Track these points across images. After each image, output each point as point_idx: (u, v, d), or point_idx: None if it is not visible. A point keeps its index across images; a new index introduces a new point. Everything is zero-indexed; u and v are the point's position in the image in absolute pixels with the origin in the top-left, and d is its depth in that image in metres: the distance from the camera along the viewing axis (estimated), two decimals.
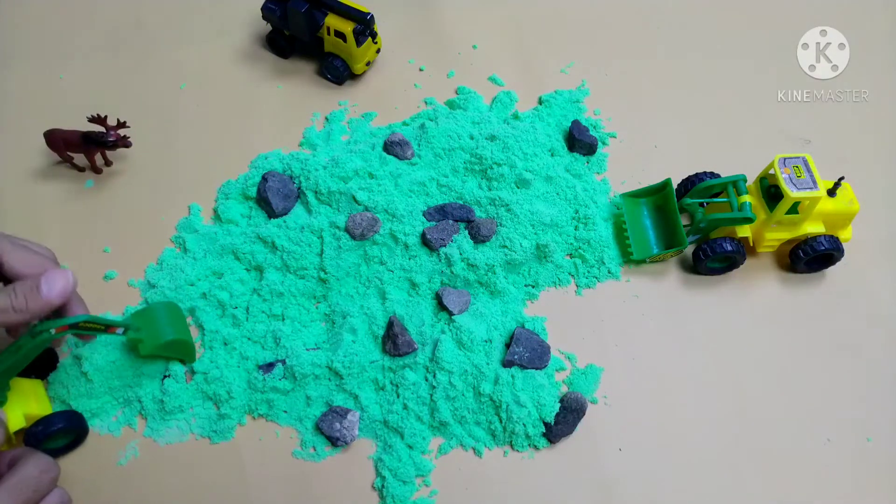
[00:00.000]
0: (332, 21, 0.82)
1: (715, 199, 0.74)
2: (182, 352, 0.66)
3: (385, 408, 0.66)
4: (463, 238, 0.73)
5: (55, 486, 0.54)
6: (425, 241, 0.73)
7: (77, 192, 0.79)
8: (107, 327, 0.58)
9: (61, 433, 0.61)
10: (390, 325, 0.68)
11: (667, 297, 0.75)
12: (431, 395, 0.66)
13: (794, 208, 0.70)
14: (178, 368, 0.67)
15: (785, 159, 0.70)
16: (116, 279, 0.73)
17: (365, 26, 0.83)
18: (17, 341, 0.55)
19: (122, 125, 0.77)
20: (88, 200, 0.78)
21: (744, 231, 0.73)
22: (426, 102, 0.88)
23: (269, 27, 0.89)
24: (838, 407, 0.69)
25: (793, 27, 0.96)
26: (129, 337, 0.61)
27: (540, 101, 0.88)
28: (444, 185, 0.77)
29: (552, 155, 0.81)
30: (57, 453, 0.63)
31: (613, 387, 0.69)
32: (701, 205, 0.75)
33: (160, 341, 0.62)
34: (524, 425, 0.65)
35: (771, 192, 0.73)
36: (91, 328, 0.56)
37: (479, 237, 0.73)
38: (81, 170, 0.80)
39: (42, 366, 0.66)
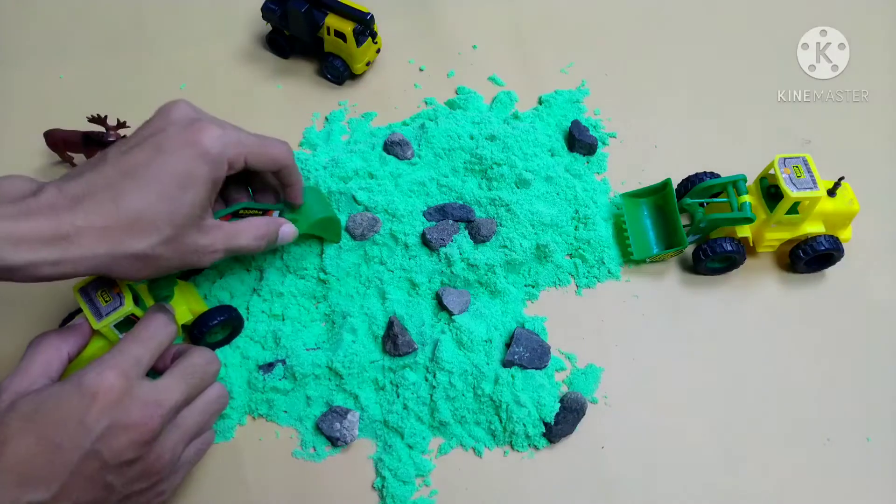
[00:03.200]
0: (332, 21, 0.82)
1: (715, 199, 0.74)
2: (331, 230, 0.71)
3: (385, 408, 0.66)
4: (463, 238, 0.73)
5: (216, 380, 0.58)
6: (425, 241, 0.73)
7: None
8: (264, 211, 0.65)
9: (222, 325, 0.66)
10: (390, 325, 0.68)
11: (667, 297, 0.75)
12: (431, 395, 0.66)
13: (794, 208, 0.70)
14: None
15: (785, 159, 0.70)
16: None
17: (365, 26, 0.83)
18: None
19: (122, 125, 0.76)
20: None
21: (744, 231, 0.73)
22: (426, 102, 0.88)
23: (269, 27, 0.89)
24: (838, 407, 0.69)
25: (793, 27, 0.95)
26: (286, 218, 0.66)
27: (540, 101, 0.87)
28: (444, 185, 0.77)
29: (552, 155, 0.81)
30: (213, 348, 0.67)
31: (613, 387, 0.69)
32: (701, 205, 0.75)
33: (313, 219, 0.67)
34: (524, 425, 0.65)
35: (771, 192, 0.73)
36: (250, 213, 0.63)
37: (479, 237, 0.73)
38: None
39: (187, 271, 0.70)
